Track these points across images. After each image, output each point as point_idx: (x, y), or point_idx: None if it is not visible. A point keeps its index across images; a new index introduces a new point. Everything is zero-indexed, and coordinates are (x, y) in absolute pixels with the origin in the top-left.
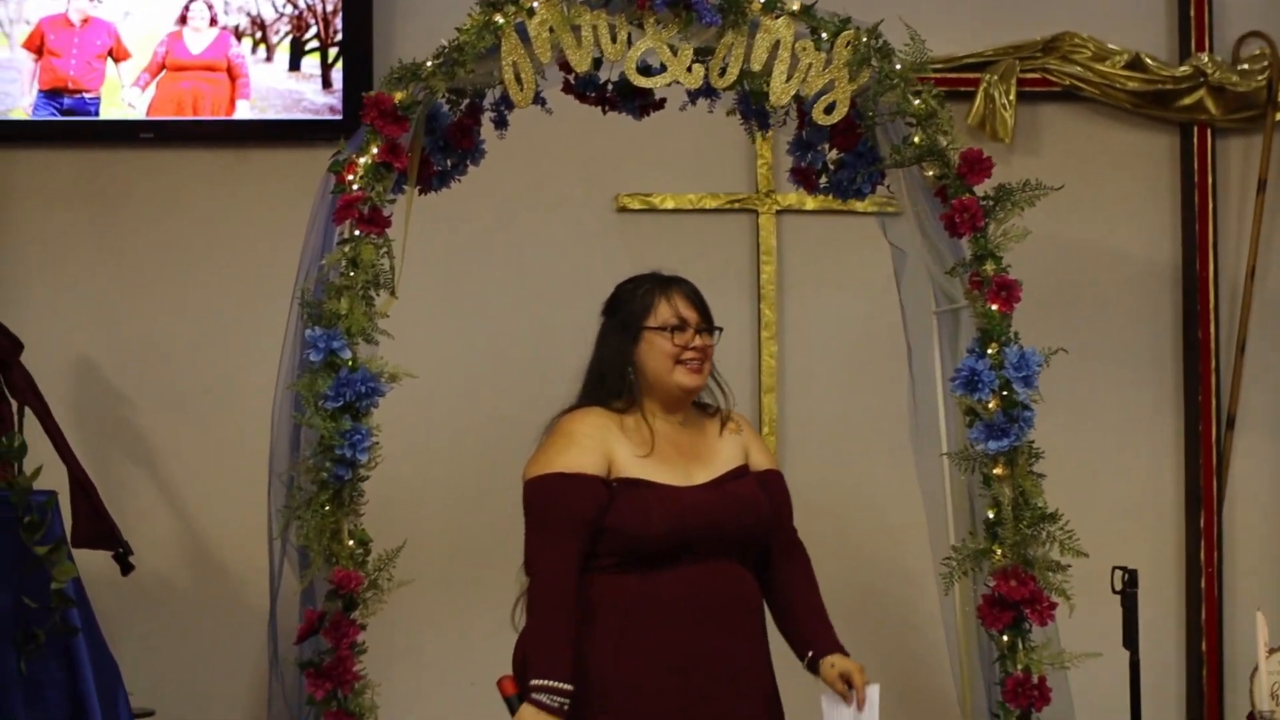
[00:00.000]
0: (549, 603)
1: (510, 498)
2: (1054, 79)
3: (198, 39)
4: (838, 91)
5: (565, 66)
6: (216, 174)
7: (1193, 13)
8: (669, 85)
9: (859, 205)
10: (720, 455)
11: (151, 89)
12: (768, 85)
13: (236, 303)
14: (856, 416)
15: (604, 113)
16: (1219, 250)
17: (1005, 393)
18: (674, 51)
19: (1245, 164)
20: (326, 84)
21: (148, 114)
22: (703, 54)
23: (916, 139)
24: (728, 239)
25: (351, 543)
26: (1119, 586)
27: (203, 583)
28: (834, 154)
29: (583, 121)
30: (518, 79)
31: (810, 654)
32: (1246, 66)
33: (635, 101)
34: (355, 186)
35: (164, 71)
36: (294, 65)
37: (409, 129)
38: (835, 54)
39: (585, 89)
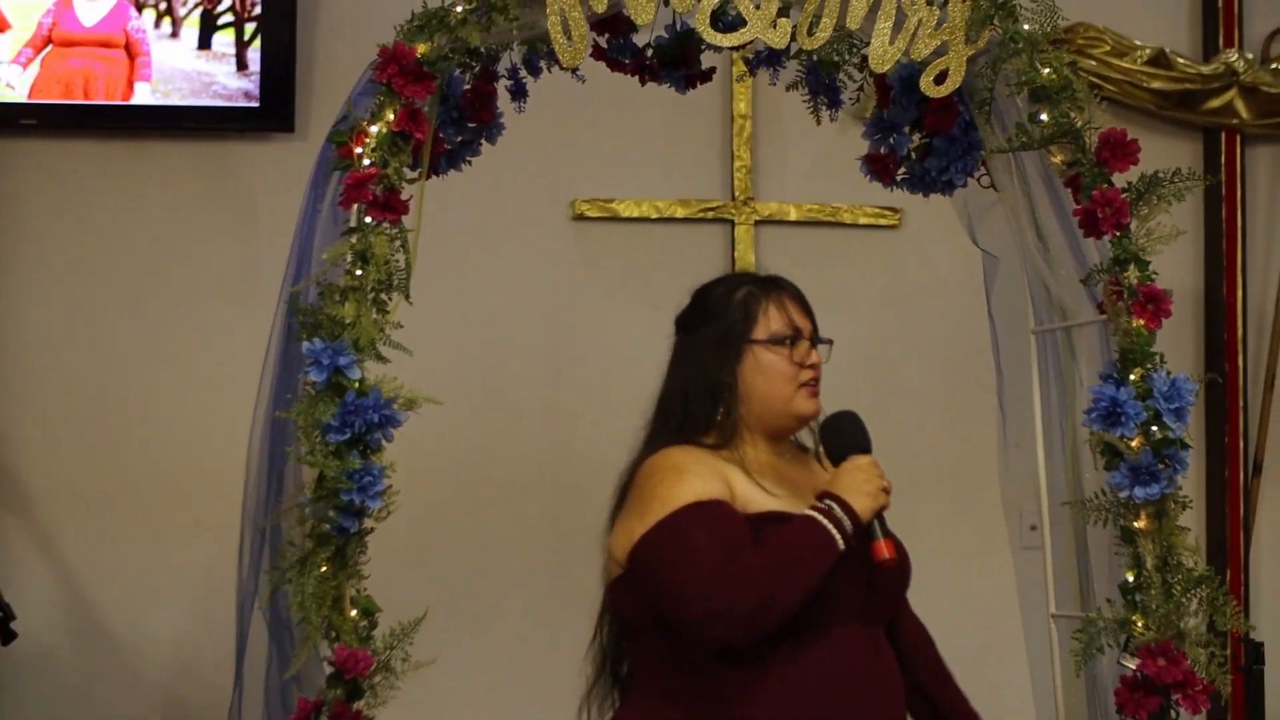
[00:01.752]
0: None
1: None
2: None
3: (91, 9)
4: (952, 56)
5: (598, 25)
6: (110, 169)
7: (1220, 4)
8: (747, 45)
9: (850, 217)
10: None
11: (34, 67)
12: (843, 56)
13: (132, 320)
14: None
15: (642, 83)
16: (1247, 273)
17: (1154, 428)
18: (756, 3)
19: (1275, 174)
20: (241, 66)
21: (29, 97)
22: (788, 7)
23: (1045, 117)
24: (699, 252)
25: (355, 613)
26: (1243, 661)
27: (90, 655)
28: (915, 139)
29: (534, 114)
30: (566, 32)
31: None
32: (1278, 65)
33: (681, 70)
34: (367, 162)
35: (49, 47)
36: (204, 43)
37: (434, 90)
38: (950, 11)
39: (620, 54)
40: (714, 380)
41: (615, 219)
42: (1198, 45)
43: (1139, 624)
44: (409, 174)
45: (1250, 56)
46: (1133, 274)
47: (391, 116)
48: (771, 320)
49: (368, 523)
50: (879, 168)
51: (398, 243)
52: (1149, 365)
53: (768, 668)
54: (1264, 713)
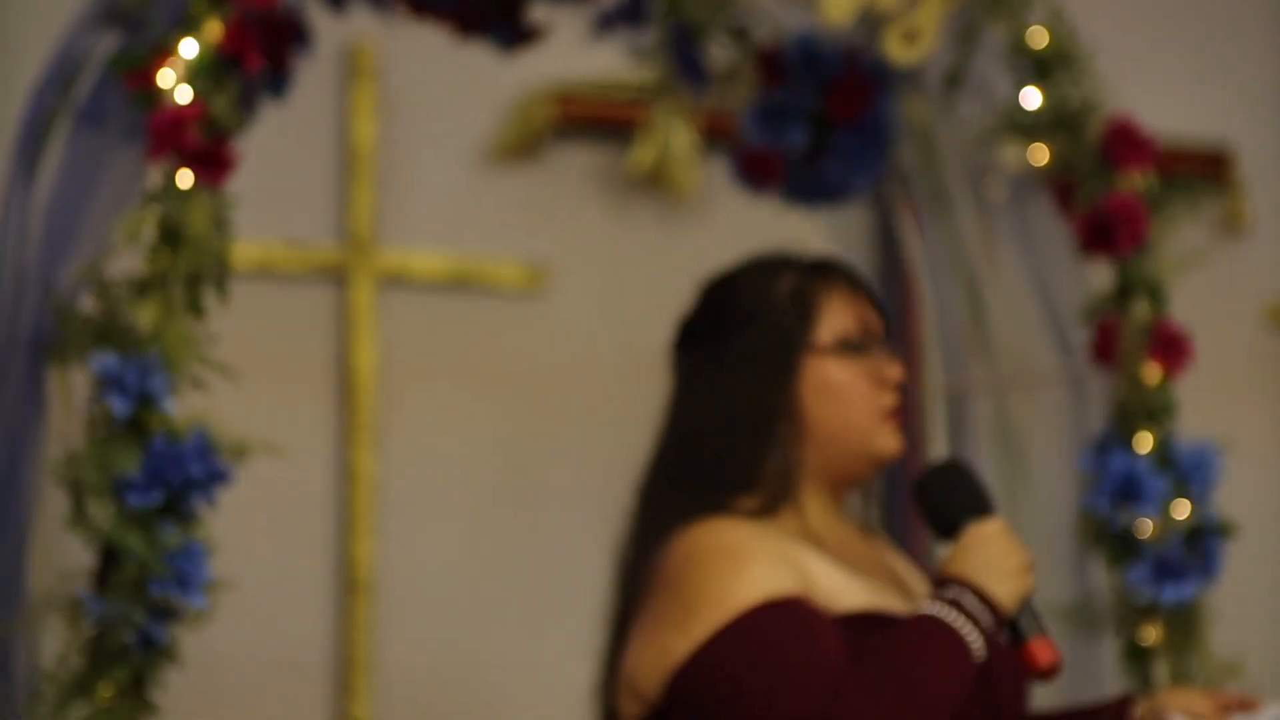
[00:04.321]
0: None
1: None
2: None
3: None
4: (923, 11)
5: None
6: None
7: None
8: None
9: (491, 274)
10: (912, 579)
11: None
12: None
13: None
14: (486, 568)
15: (461, 39)
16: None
17: (1180, 507)
18: None
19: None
20: None
21: None
22: None
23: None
24: (302, 311)
25: None
26: None
27: None
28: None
29: None
30: None
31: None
32: None
33: (509, 26)
34: (183, 94)
35: None
36: None
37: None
38: None
39: (438, 3)
40: (760, 410)
41: None
42: None
43: None
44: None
45: None
46: (1143, 308)
47: (214, 39)
48: (837, 318)
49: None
50: (756, 170)
51: (223, 213)
52: (1165, 426)
53: None
54: None
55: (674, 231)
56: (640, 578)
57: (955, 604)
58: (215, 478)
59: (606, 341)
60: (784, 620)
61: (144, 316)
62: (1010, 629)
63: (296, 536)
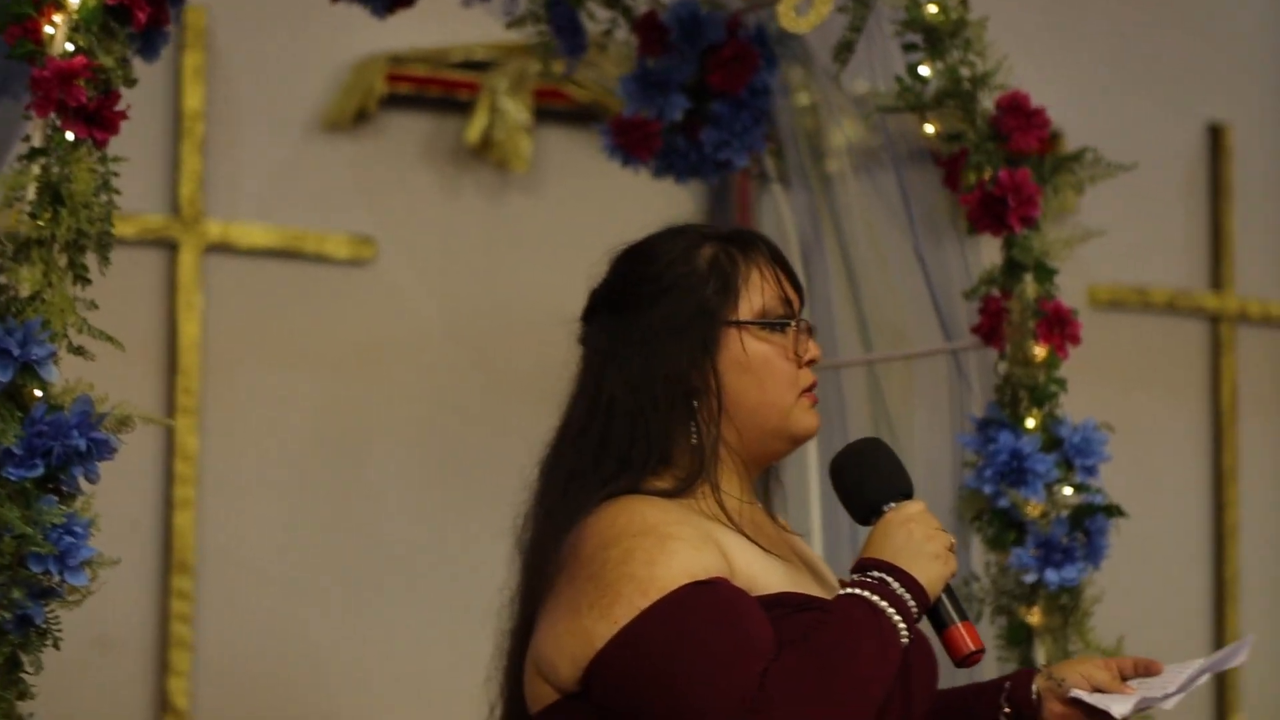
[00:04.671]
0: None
1: None
2: (572, 93)
3: None
4: None
5: None
6: None
7: None
8: None
9: (316, 246)
10: (820, 563)
11: None
12: None
13: None
14: (309, 544)
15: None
16: None
17: (1068, 489)
18: None
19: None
20: None
21: None
22: None
23: (928, 70)
24: (132, 280)
25: None
26: None
27: None
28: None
29: None
30: None
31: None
32: None
33: None
34: (70, 46)
35: None
36: None
37: None
38: None
39: None
40: (678, 385)
41: None
42: None
43: None
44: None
45: None
46: (1031, 287)
47: None
48: (758, 292)
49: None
50: (634, 140)
51: (106, 174)
52: (1052, 407)
53: None
54: None
55: (504, 204)
56: (550, 558)
57: (879, 587)
58: (99, 450)
59: (433, 314)
60: (709, 602)
61: (25, 279)
62: (931, 614)
63: (117, 510)
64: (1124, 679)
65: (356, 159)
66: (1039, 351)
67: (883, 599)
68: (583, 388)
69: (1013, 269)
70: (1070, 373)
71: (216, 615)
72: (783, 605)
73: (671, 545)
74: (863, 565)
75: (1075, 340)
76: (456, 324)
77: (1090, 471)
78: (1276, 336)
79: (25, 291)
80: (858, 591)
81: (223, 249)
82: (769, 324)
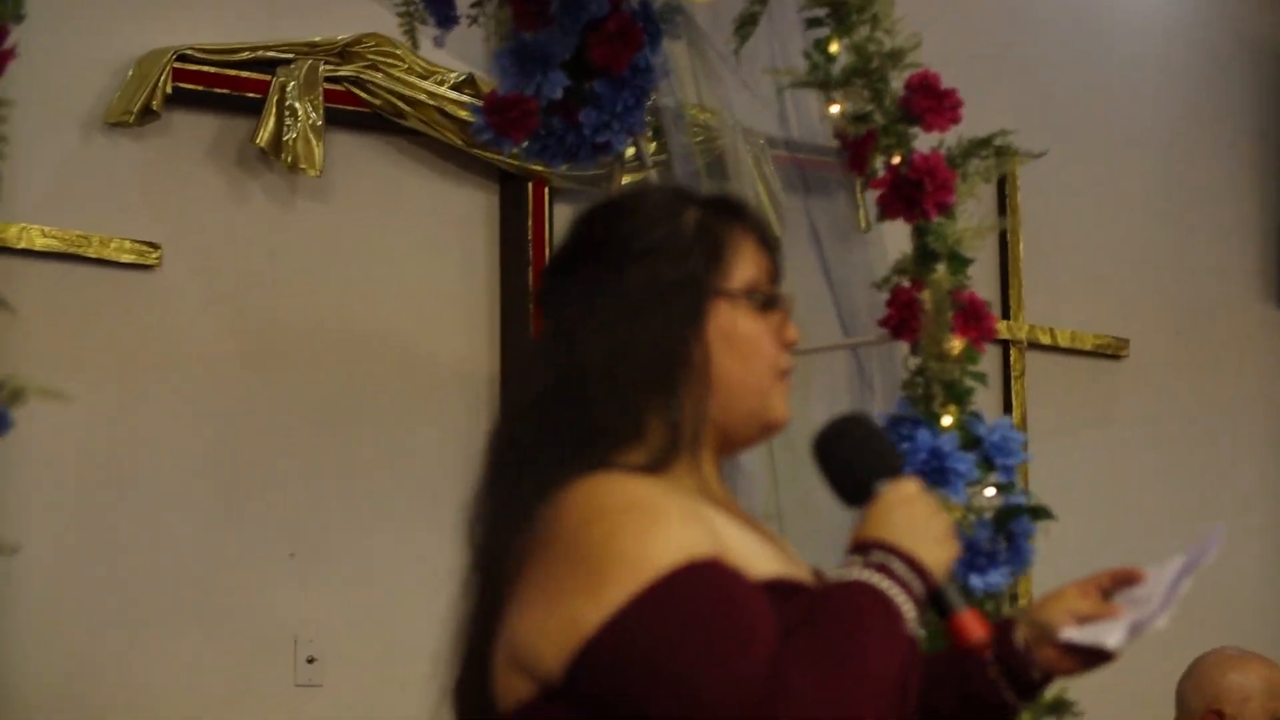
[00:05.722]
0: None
1: None
2: (363, 95)
3: None
4: None
5: None
6: None
7: None
8: None
9: (100, 250)
10: (794, 552)
11: None
12: None
13: None
14: (88, 566)
15: None
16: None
17: (994, 490)
18: None
19: None
20: None
21: None
22: None
23: (832, 47)
24: None
25: None
26: None
27: None
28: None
29: None
30: None
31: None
32: None
33: None
34: None
35: None
36: None
37: None
38: None
39: None
40: (661, 355)
41: None
42: None
43: None
44: None
45: None
46: (944, 274)
47: None
48: (747, 265)
49: None
50: (509, 120)
51: None
52: (967, 404)
53: None
54: None
55: (293, 209)
56: (516, 541)
57: (884, 570)
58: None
59: (217, 322)
60: (711, 583)
61: None
62: (935, 600)
63: None
64: (1106, 597)
65: (141, 159)
66: (955, 345)
67: (891, 582)
68: (547, 354)
69: (925, 258)
70: None
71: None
72: (778, 589)
73: (663, 521)
74: (862, 545)
75: (990, 334)
76: (241, 333)
77: (1009, 472)
78: (1063, 361)
79: None
80: (863, 574)
81: (9, 251)
82: (763, 299)
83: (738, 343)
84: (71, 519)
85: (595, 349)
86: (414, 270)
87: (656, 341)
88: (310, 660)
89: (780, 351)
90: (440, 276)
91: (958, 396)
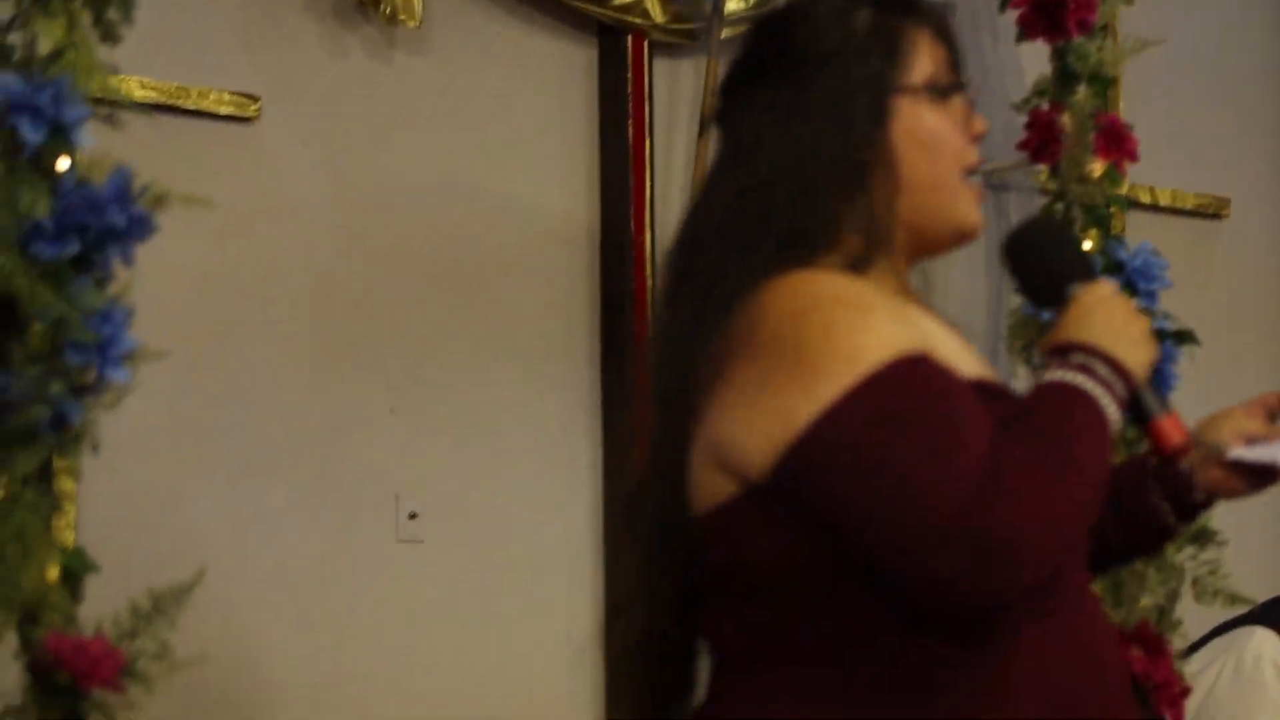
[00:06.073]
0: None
1: None
2: None
3: None
4: None
5: None
6: None
7: None
8: None
9: (199, 101)
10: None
11: None
12: None
13: None
14: (193, 421)
15: None
16: (656, 211)
17: None
18: None
19: (679, 90)
20: None
21: None
22: None
23: None
24: None
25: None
26: None
27: None
28: None
29: None
30: None
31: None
32: None
33: None
34: None
35: None
36: None
37: None
38: None
39: None
40: (849, 157)
41: None
42: None
43: None
44: None
45: None
46: (1086, 95)
47: None
48: (925, 58)
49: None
50: None
51: None
52: (1109, 228)
53: (1006, 640)
54: None
55: (390, 61)
56: (709, 348)
57: (1087, 370)
58: (137, 229)
59: (317, 176)
60: (926, 379)
61: (48, 31)
62: (1133, 404)
63: None
64: (1272, 419)
65: (240, 10)
66: (1097, 167)
67: (1095, 384)
68: (726, 170)
69: (1067, 79)
70: None
71: (98, 488)
72: (983, 391)
73: (873, 316)
74: (1061, 348)
75: (1134, 157)
76: (342, 188)
77: (1152, 297)
78: (1162, 220)
79: (45, 49)
80: (1067, 376)
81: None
82: (942, 90)
83: (924, 138)
84: (171, 369)
85: (782, 158)
86: (513, 124)
87: (843, 144)
88: (412, 516)
89: (967, 144)
90: (539, 131)
91: (1099, 220)
